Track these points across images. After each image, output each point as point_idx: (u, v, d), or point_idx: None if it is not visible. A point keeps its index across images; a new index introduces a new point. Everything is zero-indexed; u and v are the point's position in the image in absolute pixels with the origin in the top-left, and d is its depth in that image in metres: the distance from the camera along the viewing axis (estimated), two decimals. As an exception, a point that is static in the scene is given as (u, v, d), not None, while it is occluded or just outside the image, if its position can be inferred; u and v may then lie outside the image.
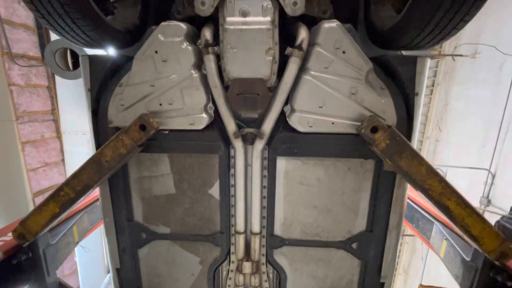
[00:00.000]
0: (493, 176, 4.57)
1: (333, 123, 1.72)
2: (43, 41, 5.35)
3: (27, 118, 5.19)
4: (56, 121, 5.76)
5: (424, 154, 6.56)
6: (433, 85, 6.12)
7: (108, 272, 6.12)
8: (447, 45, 5.74)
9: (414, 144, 1.73)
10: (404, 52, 1.93)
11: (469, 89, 5.14)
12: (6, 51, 4.74)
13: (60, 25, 1.50)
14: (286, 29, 1.77)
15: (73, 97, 5.45)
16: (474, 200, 4.96)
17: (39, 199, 5.50)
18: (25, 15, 5.09)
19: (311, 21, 1.77)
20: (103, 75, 1.75)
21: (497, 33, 4.53)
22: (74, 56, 5.19)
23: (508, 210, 4.31)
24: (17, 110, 4.96)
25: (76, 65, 5.22)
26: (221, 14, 1.62)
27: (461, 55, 5.02)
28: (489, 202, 4.62)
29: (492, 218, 4.53)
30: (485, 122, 4.73)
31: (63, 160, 5.98)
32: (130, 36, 1.89)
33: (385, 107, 1.68)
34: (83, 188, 1.78)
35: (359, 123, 1.67)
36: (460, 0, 1.25)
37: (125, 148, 1.71)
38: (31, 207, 5.26)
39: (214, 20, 1.68)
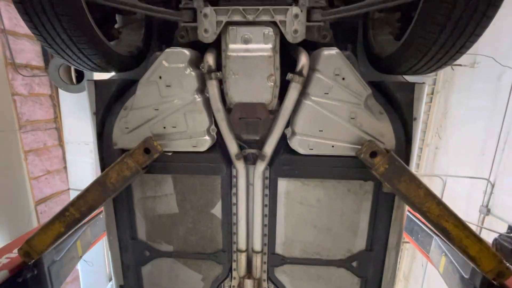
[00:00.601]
0: (492, 186, 4.60)
1: (333, 146, 1.76)
2: (46, 50, 5.40)
3: (30, 127, 5.23)
4: (58, 129, 5.81)
5: (424, 161, 6.59)
6: (432, 93, 6.16)
7: (110, 280, 6.15)
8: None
9: (413, 166, 1.77)
10: (405, 76, 1.97)
11: (468, 98, 5.18)
12: (10, 62, 4.79)
13: (66, 53, 1.55)
14: (286, 50, 1.81)
15: (75, 106, 5.50)
16: (473, 209, 4.98)
17: (42, 207, 5.53)
18: (29, 26, 5.14)
19: (311, 45, 1.82)
20: (108, 99, 1.80)
21: (496, 44, 4.57)
22: (78, 69, 5.25)
23: (507, 219, 4.33)
24: (20, 119, 5.00)
25: (79, 78, 5.28)
26: (223, 40, 1.66)
27: (460, 65, 5.06)
28: (488, 211, 4.64)
29: (491, 227, 4.55)
30: (484, 131, 4.76)
31: (65, 167, 6.01)
32: (134, 60, 1.93)
33: (384, 131, 1.72)
34: (88, 209, 1.82)
35: (359, 146, 1.71)
36: (460, 29, 1.27)
37: (129, 171, 1.75)
38: (33, 215, 5.29)
39: (217, 44, 1.72)
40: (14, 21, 4.86)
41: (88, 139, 5.24)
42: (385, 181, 1.65)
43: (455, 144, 5.56)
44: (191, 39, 1.88)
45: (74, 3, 1.38)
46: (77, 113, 5.46)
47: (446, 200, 5.76)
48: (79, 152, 5.45)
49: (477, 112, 4.82)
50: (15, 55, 4.85)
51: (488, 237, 4.69)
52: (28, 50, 5.17)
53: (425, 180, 6.56)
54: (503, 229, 4.34)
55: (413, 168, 1.75)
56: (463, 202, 5.33)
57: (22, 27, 5.03)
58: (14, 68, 4.86)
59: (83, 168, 5.59)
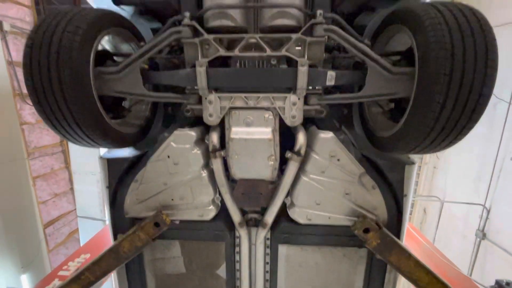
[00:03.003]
0: (488, 211, 4.72)
1: (329, 218, 1.89)
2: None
3: (38, 153, 5.39)
4: (64, 151, 5.97)
5: (422, 179, 6.70)
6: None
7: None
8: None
9: (403, 238, 1.89)
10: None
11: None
12: (17, 92, 4.94)
13: (73, 137, 1.59)
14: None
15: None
16: (470, 231, 5.11)
17: (50, 230, 5.70)
18: (35, 55, 5.28)
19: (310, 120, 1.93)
20: (120, 174, 1.93)
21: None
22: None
23: (502, 244, 4.45)
24: (28, 147, 5.16)
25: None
26: (227, 121, 1.79)
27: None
28: (484, 235, 4.77)
29: (487, 251, 4.68)
30: (480, 157, 4.87)
31: (71, 188, 6.18)
32: (140, 135, 1.98)
33: (376, 204, 1.84)
34: (102, 273, 1.96)
35: (354, 218, 1.84)
36: (456, 117, 1.25)
37: (141, 242, 1.89)
38: (42, 238, 5.45)
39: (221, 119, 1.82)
40: (21, 52, 5.00)
41: (95, 169, 5.39)
42: (377, 253, 1.78)
43: (453, 166, 5.67)
44: (196, 114, 2.01)
45: (87, 99, 1.45)
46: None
47: (444, 221, 5.85)
48: (86, 181, 5.60)
49: (474, 138, 4.92)
50: (22, 85, 5.00)
51: (484, 261, 4.83)
52: (35, 79, 5.31)
53: (423, 200, 6.66)
54: (498, 255, 4.47)
55: (403, 238, 1.88)
56: (460, 223, 5.46)
57: (29, 57, 5.17)
58: (22, 98, 5.01)
59: (90, 197, 5.75)
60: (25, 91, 5.10)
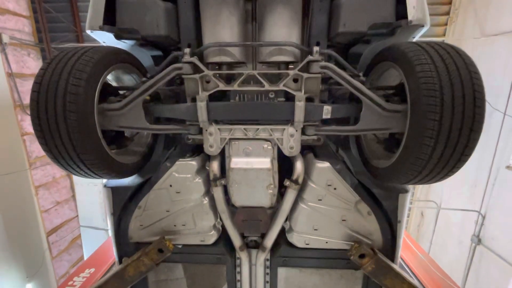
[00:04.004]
0: (483, 218, 4.82)
1: (327, 242, 1.96)
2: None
3: (39, 163, 5.44)
4: (65, 159, 6.02)
5: (420, 185, 6.77)
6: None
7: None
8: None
9: (398, 260, 1.97)
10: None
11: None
12: (18, 104, 4.97)
13: (75, 170, 1.62)
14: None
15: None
16: (466, 236, 5.21)
17: (53, 237, 5.78)
18: (35, 66, 5.31)
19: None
20: (124, 202, 1.99)
21: (487, 83, 4.72)
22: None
23: (497, 250, 4.55)
24: (30, 157, 5.21)
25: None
26: (227, 150, 1.84)
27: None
28: (479, 241, 4.87)
29: (482, 256, 4.77)
30: (476, 165, 4.94)
31: (73, 196, 6.24)
32: (142, 163, 2.01)
33: (372, 230, 1.92)
34: (108, 296, 2.03)
35: (351, 243, 1.91)
36: (450, 149, 1.29)
37: (145, 267, 1.96)
38: (46, 248, 5.53)
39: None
40: (21, 63, 5.03)
41: (97, 180, 5.45)
42: (373, 277, 1.86)
43: (449, 171, 5.74)
44: (197, 142, 2.06)
45: (92, 137, 1.48)
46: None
47: (440, 225, 5.93)
48: (88, 192, 5.66)
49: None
50: (23, 96, 5.04)
51: (480, 266, 4.93)
52: (35, 89, 5.34)
53: (420, 204, 6.74)
54: (493, 261, 4.57)
55: (398, 261, 1.96)
56: (456, 228, 5.56)
57: (29, 68, 5.20)
58: (23, 109, 5.04)
59: (92, 207, 5.81)
60: (25, 102, 5.14)
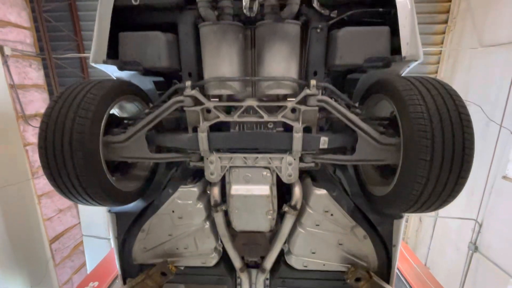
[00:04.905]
0: (480, 226, 4.89)
1: (324, 265, 2.03)
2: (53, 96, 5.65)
3: (42, 172, 5.50)
4: (67, 167, 6.08)
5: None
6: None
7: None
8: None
9: (393, 282, 2.04)
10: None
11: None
12: (20, 115, 5.02)
13: (78, 199, 1.68)
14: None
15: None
16: (463, 243, 5.28)
17: (56, 245, 5.85)
18: (36, 76, 5.36)
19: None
20: (127, 226, 2.05)
21: (484, 91, 4.78)
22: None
23: (493, 257, 4.63)
24: (32, 167, 5.27)
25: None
26: (227, 177, 1.91)
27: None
28: (476, 248, 4.94)
29: (479, 264, 4.85)
30: (473, 173, 4.99)
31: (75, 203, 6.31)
32: (145, 188, 2.06)
33: (367, 253, 1.98)
34: (113, 316, 2.11)
35: (347, 265, 1.98)
36: (443, 180, 1.34)
37: (149, 289, 2.02)
38: (49, 257, 5.60)
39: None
40: (23, 74, 5.08)
41: None
42: (369, 299, 1.92)
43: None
44: (198, 168, 2.12)
45: (97, 170, 1.54)
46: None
47: (438, 231, 5.99)
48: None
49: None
50: (25, 107, 5.09)
51: (476, 273, 5.01)
52: (37, 99, 5.40)
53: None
54: (489, 268, 4.65)
55: (393, 283, 2.02)
56: (454, 235, 5.63)
57: (30, 79, 5.25)
58: (25, 120, 5.10)
59: (94, 216, 5.88)
60: (27, 113, 5.20)
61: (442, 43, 5.87)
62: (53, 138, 1.47)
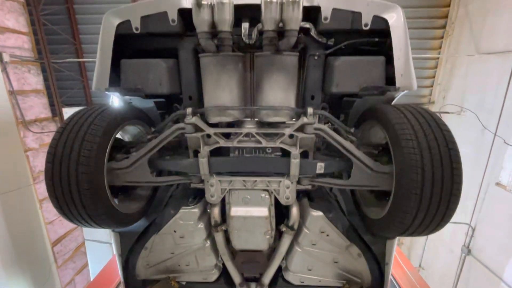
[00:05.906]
0: (473, 230, 5.01)
1: (320, 281, 2.12)
2: (52, 101, 5.65)
3: (42, 176, 5.55)
4: (67, 171, 6.14)
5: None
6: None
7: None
8: (437, 95, 6.04)
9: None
10: None
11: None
12: (20, 121, 5.04)
13: (82, 223, 1.73)
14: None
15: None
16: (457, 246, 5.42)
17: (58, 248, 5.95)
18: (35, 81, 5.36)
19: None
20: (131, 244, 2.13)
21: (480, 99, 4.85)
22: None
23: (485, 261, 4.77)
24: (33, 172, 5.32)
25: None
26: (227, 198, 1.98)
27: (447, 112, 5.33)
28: (469, 251, 5.08)
29: (471, 267, 4.99)
30: (468, 179, 5.10)
31: (76, 206, 6.38)
32: (148, 207, 2.11)
33: (362, 270, 2.07)
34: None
35: (343, 281, 2.07)
36: (433, 211, 1.40)
37: (152, 304, 2.11)
38: (52, 262, 5.69)
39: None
40: (22, 80, 5.08)
41: None
42: (362, 314, 2.02)
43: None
44: (199, 187, 2.19)
45: (101, 196, 1.59)
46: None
47: (432, 235, 6.04)
48: None
49: (463, 160, 5.13)
50: (25, 112, 5.11)
51: (469, 275, 5.16)
52: (36, 104, 5.41)
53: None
54: (481, 272, 4.79)
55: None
56: (448, 238, 5.77)
57: (29, 84, 5.25)
58: (25, 126, 5.12)
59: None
60: (27, 118, 5.22)
61: (440, 47, 5.90)
62: (60, 171, 1.52)
